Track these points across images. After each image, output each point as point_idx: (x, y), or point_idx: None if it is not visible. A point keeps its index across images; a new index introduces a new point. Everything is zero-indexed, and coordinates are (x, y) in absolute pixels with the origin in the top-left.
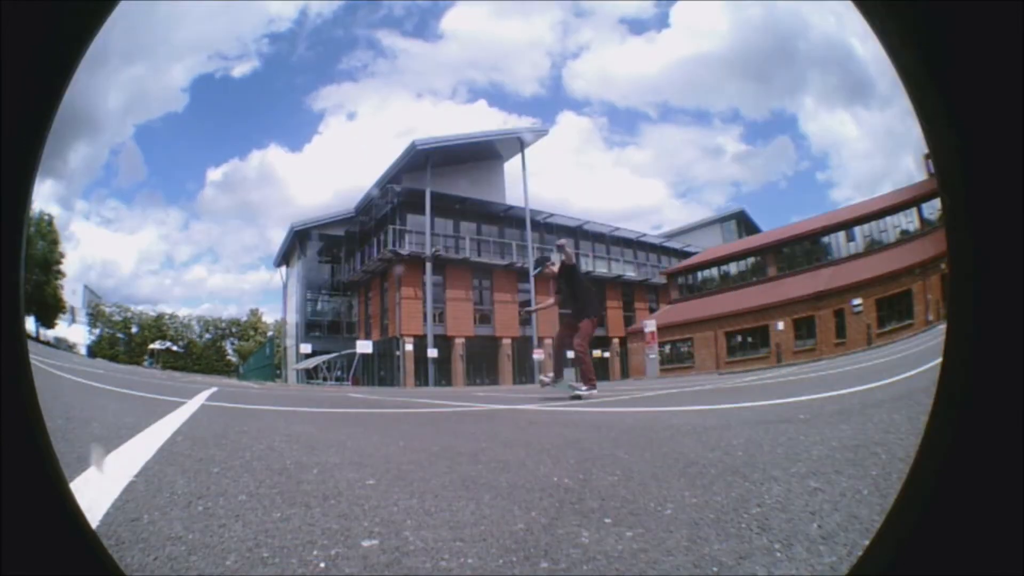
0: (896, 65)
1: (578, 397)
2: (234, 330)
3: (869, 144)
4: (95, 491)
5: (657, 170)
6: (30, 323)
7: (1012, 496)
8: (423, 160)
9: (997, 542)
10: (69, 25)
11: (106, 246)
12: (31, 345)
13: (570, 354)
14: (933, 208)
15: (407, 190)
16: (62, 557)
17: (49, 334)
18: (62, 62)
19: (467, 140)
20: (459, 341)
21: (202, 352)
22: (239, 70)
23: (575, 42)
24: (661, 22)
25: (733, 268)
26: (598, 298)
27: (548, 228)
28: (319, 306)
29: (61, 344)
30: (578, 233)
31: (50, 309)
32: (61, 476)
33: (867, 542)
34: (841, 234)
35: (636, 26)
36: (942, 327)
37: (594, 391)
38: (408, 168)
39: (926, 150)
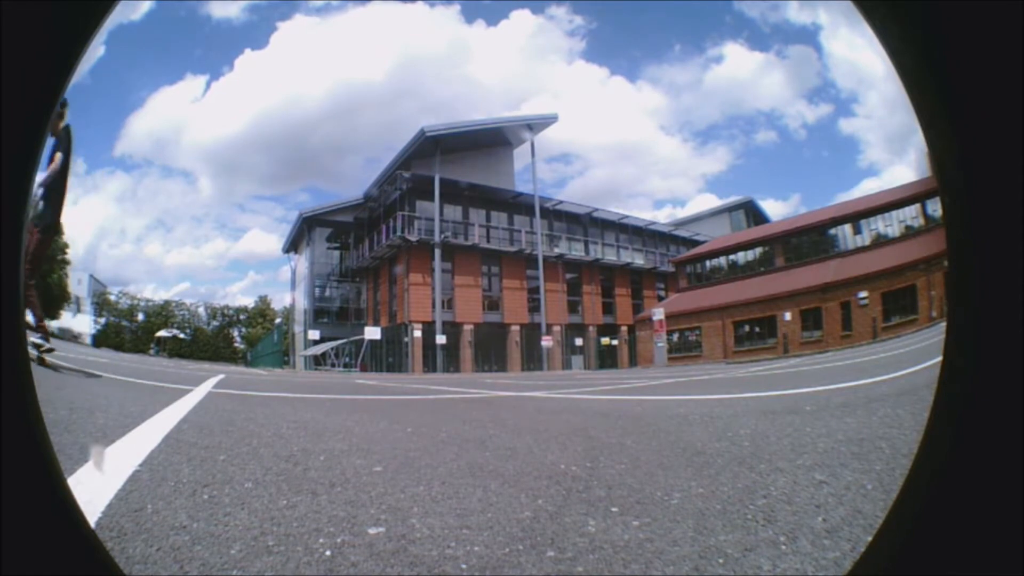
0: (896, 65)
1: None
2: (242, 317)
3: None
4: (98, 482)
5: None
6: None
7: (1012, 496)
8: (432, 146)
9: (997, 542)
10: (69, 25)
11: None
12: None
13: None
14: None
15: (416, 176)
16: (58, 555)
17: (53, 325)
18: (62, 62)
19: (476, 127)
20: (468, 327)
21: (209, 339)
22: None
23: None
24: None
25: (741, 257)
26: None
27: (557, 215)
28: (327, 292)
29: (65, 335)
30: (587, 220)
31: (53, 299)
32: (60, 475)
33: (870, 538)
34: (848, 226)
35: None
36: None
37: None
38: (417, 154)
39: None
